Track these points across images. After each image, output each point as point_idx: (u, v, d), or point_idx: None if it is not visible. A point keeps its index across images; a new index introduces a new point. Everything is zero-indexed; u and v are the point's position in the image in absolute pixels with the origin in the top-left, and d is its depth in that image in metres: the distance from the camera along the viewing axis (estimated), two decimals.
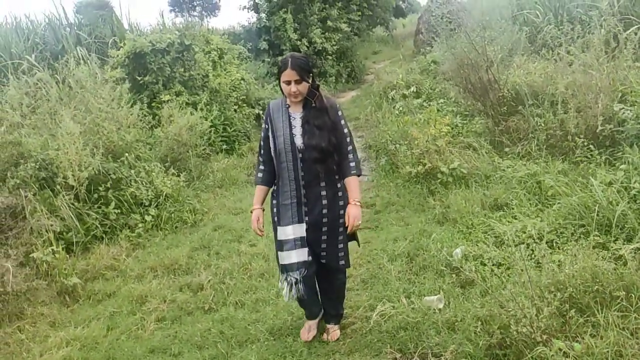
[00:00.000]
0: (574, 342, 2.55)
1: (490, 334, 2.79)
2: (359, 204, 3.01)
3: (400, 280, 3.87)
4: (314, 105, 2.97)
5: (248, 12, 15.69)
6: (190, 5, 32.92)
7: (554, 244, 3.61)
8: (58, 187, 5.26)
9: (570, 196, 4.12)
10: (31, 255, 4.46)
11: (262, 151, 3.12)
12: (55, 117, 5.99)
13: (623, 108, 4.64)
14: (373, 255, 4.41)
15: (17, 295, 4.07)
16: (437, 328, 3.11)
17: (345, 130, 3.02)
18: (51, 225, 4.87)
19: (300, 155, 2.96)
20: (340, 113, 3.03)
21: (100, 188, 5.55)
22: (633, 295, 2.66)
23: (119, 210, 5.56)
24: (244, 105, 10.14)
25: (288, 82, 2.88)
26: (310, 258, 3.05)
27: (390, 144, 6.86)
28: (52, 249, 4.59)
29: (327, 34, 15.32)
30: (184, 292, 4.22)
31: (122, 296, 4.24)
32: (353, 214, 2.98)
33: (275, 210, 3.09)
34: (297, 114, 3.01)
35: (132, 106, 7.04)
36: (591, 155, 4.84)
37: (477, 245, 3.99)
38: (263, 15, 14.81)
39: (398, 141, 6.74)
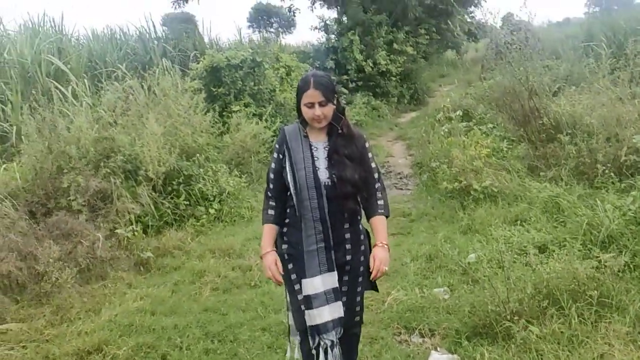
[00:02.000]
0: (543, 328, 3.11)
1: (477, 316, 3.37)
2: (387, 246, 2.57)
3: (417, 275, 4.51)
4: (340, 131, 2.55)
5: (319, 32, 16.62)
6: (267, 22, 34.56)
7: (553, 253, 4.10)
8: (140, 178, 6.23)
9: (581, 216, 4.59)
10: (116, 231, 5.42)
11: (271, 185, 2.64)
12: (142, 120, 7.03)
13: None
14: (399, 254, 5.03)
15: (102, 261, 5.00)
16: (437, 311, 3.73)
17: (373, 165, 2.64)
18: (132, 209, 5.81)
19: (324, 191, 2.50)
20: (367, 145, 2.64)
21: (174, 182, 6.50)
22: (596, 293, 3.17)
23: (188, 202, 6.47)
24: None
25: (311, 105, 2.45)
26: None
27: (432, 162, 7.44)
28: (132, 228, 5.55)
29: (392, 56, 15.83)
30: (235, 271, 5.02)
31: (185, 270, 5.10)
32: (380, 257, 2.52)
33: (291, 258, 2.60)
34: (319, 143, 2.57)
35: (205, 114, 8.00)
36: (612, 182, 5.26)
37: (489, 251, 4.53)
38: (332, 36, 15.72)
39: (440, 159, 7.31)
